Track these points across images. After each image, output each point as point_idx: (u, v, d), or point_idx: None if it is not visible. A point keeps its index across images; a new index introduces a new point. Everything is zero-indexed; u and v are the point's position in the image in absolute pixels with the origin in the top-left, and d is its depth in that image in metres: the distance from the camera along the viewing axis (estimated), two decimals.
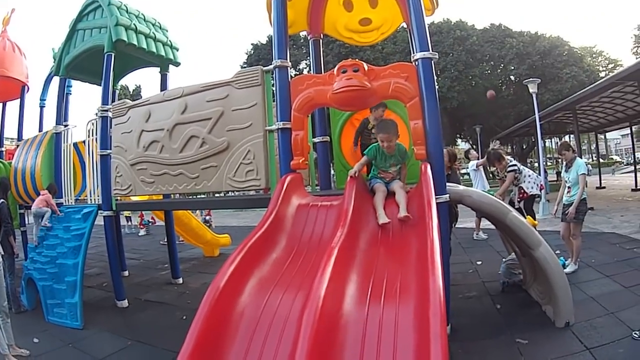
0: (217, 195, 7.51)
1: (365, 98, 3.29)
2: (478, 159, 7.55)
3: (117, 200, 5.28)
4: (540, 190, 5.91)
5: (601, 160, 19.78)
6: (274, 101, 3.67)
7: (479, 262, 5.71)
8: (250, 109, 3.70)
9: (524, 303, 4.09)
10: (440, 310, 1.87)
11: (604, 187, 14.16)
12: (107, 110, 5.15)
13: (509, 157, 5.77)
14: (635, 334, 3.15)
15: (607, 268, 4.79)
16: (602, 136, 20.75)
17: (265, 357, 2.15)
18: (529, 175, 5.56)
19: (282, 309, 2.45)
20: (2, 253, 4.22)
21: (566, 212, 4.86)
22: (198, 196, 5.99)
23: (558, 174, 15.84)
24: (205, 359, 2.09)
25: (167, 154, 4.16)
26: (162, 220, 7.35)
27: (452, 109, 22.48)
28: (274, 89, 3.65)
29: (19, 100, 7.94)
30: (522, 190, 5.57)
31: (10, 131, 8.73)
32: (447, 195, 3.32)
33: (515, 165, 5.47)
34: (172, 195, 5.51)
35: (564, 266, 4.53)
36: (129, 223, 13.57)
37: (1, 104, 8.39)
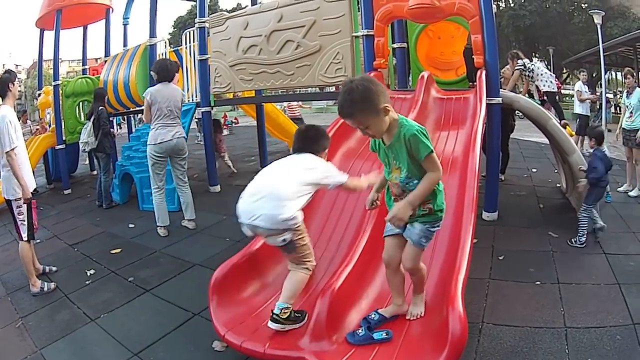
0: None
1: (434, 14, 4.02)
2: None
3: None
4: (558, 89, 5.79)
5: None
6: (358, 11, 4.37)
7: (534, 170, 6.24)
8: (338, 19, 4.40)
9: (563, 207, 4.51)
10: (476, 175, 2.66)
11: None
12: (204, 22, 5.80)
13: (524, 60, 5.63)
14: None
15: None
16: None
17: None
18: (542, 74, 5.48)
19: (363, 171, 3.41)
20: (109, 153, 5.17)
21: (627, 136, 5.19)
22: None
23: (617, 106, 15.58)
24: None
25: (265, 56, 5.00)
26: (253, 117, 7.75)
27: (525, 28, 23.07)
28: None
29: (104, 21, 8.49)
30: (538, 89, 5.59)
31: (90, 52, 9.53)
32: (500, 98, 4.03)
33: (521, 65, 5.44)
34: (262, 92, 6.35)
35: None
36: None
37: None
